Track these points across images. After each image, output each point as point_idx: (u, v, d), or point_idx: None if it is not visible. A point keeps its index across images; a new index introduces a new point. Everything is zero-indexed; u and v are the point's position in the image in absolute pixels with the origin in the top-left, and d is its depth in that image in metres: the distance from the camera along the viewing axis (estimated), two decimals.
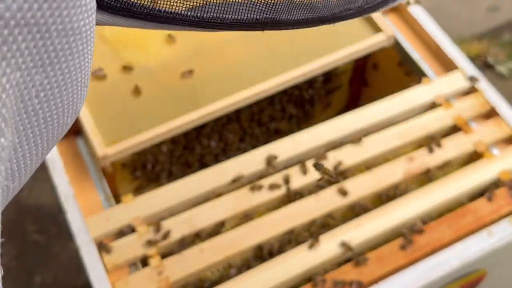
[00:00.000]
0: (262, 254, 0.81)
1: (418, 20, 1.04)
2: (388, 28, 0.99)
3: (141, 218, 0.81)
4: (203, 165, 1.10)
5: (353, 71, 1.20)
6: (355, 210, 0.85)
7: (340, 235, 0.80)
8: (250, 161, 0.87)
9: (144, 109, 0.90)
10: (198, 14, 0.38)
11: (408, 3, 1.05)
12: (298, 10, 0.41)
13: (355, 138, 0.91)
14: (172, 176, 1.07)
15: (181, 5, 0.38)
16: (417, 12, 1.05)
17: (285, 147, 0.89)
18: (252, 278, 0.76)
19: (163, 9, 0.37)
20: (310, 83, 1.14)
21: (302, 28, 0.42)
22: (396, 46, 1.03)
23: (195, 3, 0.39)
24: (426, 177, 0.90)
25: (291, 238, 0.82)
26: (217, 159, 1.12)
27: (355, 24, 1.01)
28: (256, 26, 0.39)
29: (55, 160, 0.86)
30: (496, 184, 0.87)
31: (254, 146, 1.14)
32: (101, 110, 0.90)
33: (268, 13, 0.40)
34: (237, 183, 0.86)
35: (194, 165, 1.11)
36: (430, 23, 1.04)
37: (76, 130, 0.91)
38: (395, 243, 0.81)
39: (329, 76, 1.16)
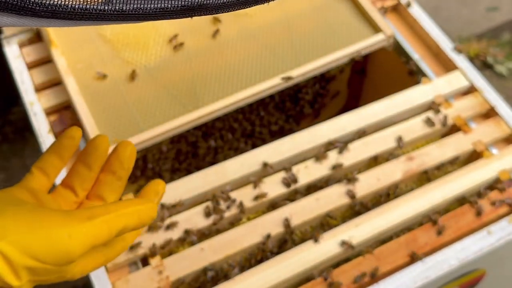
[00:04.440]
0: (263, 253, 0.81)
1: (418, 20, 1.04)
2: (387, 28, 0.99)
3: None
4: (204, 164, 1.11)
5: (352, 71, 1.20)
6: (355, 210, 0.86)
7: (340, 234, 0.81)
8: (251, 160, 0.87)
9: (144, 109, 0.91)
10: (117, 7, 0.36)
11: (409, 5, 1.05)
12: None
13: (355, 138, 0.91)
14: (172, 176, 1.08)
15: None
16: (417, 12, 1.05)
17: (285, 146, 0.89)
18: (252, 277, 0.77)
19: (76, 5, 0.35)
20: (309, 82, 1.14)
21: (234, 10, 0.40)
22: (396, 46, 1.03)
23: None
24: (426, 177, 0.90)
25: (291, 237, 0.82)
26: (217, 159, 1.12)
27: (355, 24, 1.01)
28: (183, 13, 0.37)
29: None
30: (495, 183, 0.88)
31: (254, 145, 1.15)
32: (101, 110, 0.90)
33: None
34: (237, 183, 0.86)
35: (195, 164, 1.11)
36: (429, 23, 1.04)
37: None
38: (394, 243, 0.81)
39: (328, 76, 1.17)
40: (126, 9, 0.36)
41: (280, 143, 0.89)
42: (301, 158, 0.89)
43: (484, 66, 1.94)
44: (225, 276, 0.79)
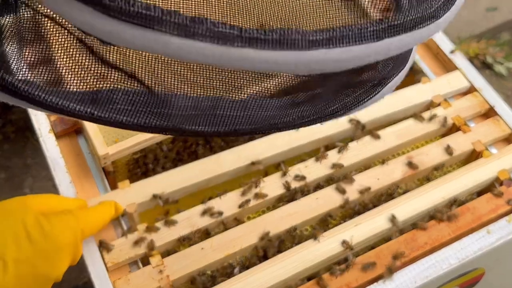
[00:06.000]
0: (263, 252, 0.81)
1: None
2: None
3: (136, 204, 0.82)
4: None
5: None
6: (355, 209, 0.86)
7: (340, 233, 0.81)
8: (246, 153, 0.88)
9: None
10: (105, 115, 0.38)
11: None
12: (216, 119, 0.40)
13: (356, 137, 0.91)
14: None
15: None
16: None
17: (281, 141, 0.89)
18: (253, 276, 0.77)
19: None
20: None
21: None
22: None
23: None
24: (425, 177, 0.91)
25: (291, 237, 0.82)
26: None
27: None
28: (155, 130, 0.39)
29: (57, 159, 0.86)
30: (495, 183, 0.88)
31: None
32: None
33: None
34: (232, 174, 0.87)
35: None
36: None
37: (78, 130, 0.91)
38: (394, 242, 0.81)
39: None
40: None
41: (275, 136, 0.89)
42: (296, 152, 0.89)
43: (483, 66, 1.95)
44: (226, 275, 0.79)
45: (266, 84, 0.42)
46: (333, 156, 0.89)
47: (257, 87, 0.42)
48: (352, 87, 0.45)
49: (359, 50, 0.34)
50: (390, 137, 0.91)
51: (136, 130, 0.39)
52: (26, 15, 0.37)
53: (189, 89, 0.39)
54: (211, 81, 0.39)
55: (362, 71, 0.43)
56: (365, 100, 0.46)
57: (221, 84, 0.40)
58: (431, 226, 0.82)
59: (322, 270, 0.79)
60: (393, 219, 0.82)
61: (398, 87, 0.97)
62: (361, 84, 0.45)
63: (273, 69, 0.33)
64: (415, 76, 1.02)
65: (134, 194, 0.83)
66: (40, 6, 0.36)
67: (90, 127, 0.87)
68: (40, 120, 0.90)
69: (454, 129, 0.94)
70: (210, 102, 0.39)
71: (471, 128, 0.93)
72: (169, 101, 0.38)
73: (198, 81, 0.39)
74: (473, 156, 0.92)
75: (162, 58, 0.38)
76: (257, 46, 0.32)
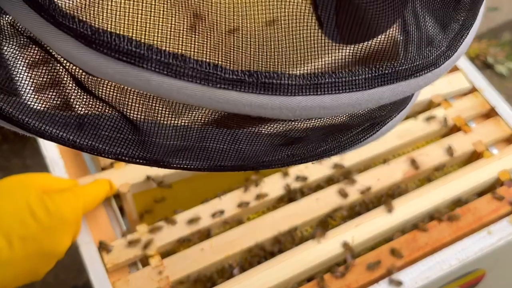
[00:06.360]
0: (263, 253, 0.81)
1: None
2: None
3: (129, 184, 0.83)
4: None
5: None
6: (355, 210, 0.86)
7: (340, 234, 0.81)
8: None
9: None
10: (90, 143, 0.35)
11: None
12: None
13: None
14: None
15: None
16: None
17: None
18: (253, 277, 0.77)
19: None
20: None
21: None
22: None
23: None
24: (426, 177, 0.90)
25: (291, 238, 0.82)
26: None
27: None
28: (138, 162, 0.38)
29: (56, 160, 0.86)
30: (495, 184, 0.88)
31: None
32: None
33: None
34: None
35: None
36: None
37: None
38: (395, 243, 0.81)
39: None
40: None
41: None
42: None
43: (484, 66, 1.94)
44: (225, 276, 0.79)
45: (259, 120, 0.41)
46: (333, 156, 0.89)
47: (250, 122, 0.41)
48: (347, 128, 0.43)
49: (348, 97, 0.32)
50: (390, 137, 0.91)
51: (118, 160, 0.37)
52: (8, 34, 0.36)
53: (177, 119, 0.37)
54: (201, 113, 0.38)
55: (357, 114, 0.41)
56: (362, 140, 0.45)
57: (211, 117, 0.39)
58: (431, 226, 0.82)
59: (323, 271, 0.79)
60: (389, 205, 0.82)
61: None
62: (358, 124, 0.43)
63: (257, 112, 0.31)
64: None
65: (128, 174, 0.84)
66: (23, 28, 0.35)
67: None
68: None
69: (455, 129, 0.94)
70: (198, 133, 0.38)
71: (472, 129, 0.92)
72: (155, 129, 0.36)
73: (186, 112, 0.37)
74: (474, 156, 0.91)
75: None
76: (240, 89, 0.30)
